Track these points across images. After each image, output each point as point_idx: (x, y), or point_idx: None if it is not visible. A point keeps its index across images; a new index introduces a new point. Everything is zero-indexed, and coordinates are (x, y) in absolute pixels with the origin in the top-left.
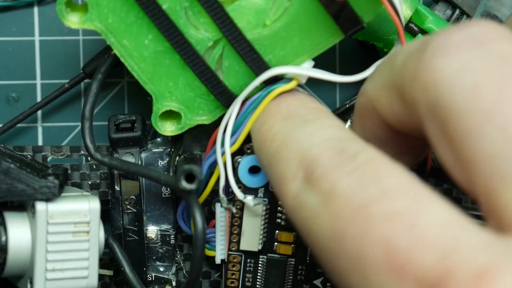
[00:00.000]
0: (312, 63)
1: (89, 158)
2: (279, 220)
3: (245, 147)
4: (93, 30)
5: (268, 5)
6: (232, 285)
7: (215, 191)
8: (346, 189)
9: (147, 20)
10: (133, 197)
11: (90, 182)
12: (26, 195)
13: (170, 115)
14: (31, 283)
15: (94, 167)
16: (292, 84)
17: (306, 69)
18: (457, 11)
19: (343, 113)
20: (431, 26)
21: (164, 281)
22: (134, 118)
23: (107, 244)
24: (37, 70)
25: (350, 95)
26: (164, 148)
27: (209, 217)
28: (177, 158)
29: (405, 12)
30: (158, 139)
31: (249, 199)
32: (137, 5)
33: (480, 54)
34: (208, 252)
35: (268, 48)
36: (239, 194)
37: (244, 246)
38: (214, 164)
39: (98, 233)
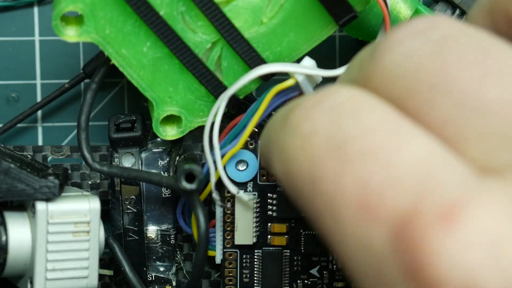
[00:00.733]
0: (313, 62)
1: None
2: (271, 213)
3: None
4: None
5: (264, 3)
6: (230, 283)
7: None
8: (325, 127)
9: (144, 28)
10: (133, 197)
11: (90, 182)
12: (26, 195)
13: (170, 119)
14: (31, 283)
15: None
16: (289, 82)
17: (289, 66)
18: (457, 11)
19: None
20: None
21: (164, 281)
22: (134, 118)
23: (107, 244)
24: (37, 70)
25: None
26: (164, 148)
27: (209, 217)
28: (177, 158)
29: (405, 12)
30: (158, 139)
31: (242, 194)
32: (134, 14)
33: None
34: (208, 252)
35: (266, 45)
36: (232, 189)
37: (238, 241)
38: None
39: (98, 233)
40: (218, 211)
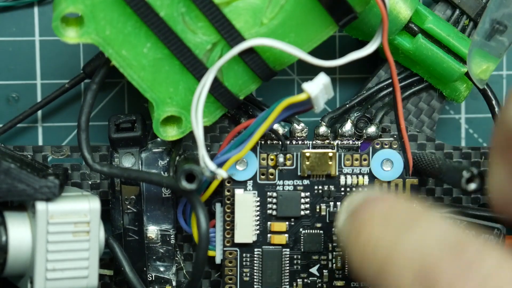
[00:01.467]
0: (328, 78)
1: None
2: (270, 211)
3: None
4: (90, 43)
5: (265, 4)
6: (230, 282)
7: (216, 191)
8: None
9: (145, 29)
10: (133, 197)
11: (90, 182)
12: (26, 195)
13: (171, 120)
14: (31, 282)
15: None
16: (302, 96)
17: (285, 44)
18: (457, 11)
19: (343, 113)
20: (431, 26)
21: (164, 281)
22: (134, 118)
23: (107, 244)
24: (37, 70)
25: (350, 95)
26: (164, 148)
27: (209, 216)
28: (177, 158)
29: (405, 12)
30: (158, 139)
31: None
32: (134, 15)
33: None
34: (208, 252)
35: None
36: (210, 165)
37: (238, 239)
38: (221, 165)
39: (98, 233)
40: (218, 211)
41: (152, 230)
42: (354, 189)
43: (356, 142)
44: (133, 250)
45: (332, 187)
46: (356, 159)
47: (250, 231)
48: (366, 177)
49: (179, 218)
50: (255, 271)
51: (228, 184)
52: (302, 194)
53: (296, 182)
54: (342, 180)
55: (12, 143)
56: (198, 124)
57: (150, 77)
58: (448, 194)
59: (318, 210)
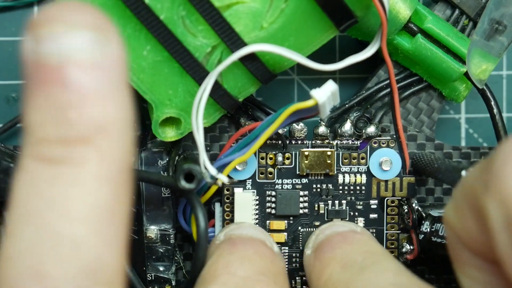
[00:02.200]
0: (336, 86)
1: None
2: (269, 210)
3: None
4: None
5: (265, 7)
6: None
7: (217, 191)
8: None
9: (144, 32)
10: (133, 197)
11: None
12: None
13: (170, 121)
14: None
15: None
16: (309, 103)
17: (285, 50)
18: (457, 11)
19: (343, 113)
20: (430, 26)
21: (164, 281)
22: (134, 118)
23: None
24: None
25: (350, 95)
26: (163, 148)
27: (209, 216)
28: (177, 157)
29: (405, 12)
30: (158, 139)
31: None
32: (134, 17)
33: None
34: None
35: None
36: (211, 169)
37: None
38: (223, 167)
39: None
40: (218, 211)
41: (152, 230)
42: (352, 187)
43: (356, 142)
44: (133, 250)
45: (330, 186)
46: (354, 158)
47: None
48: (364, 175)
49: (179, 218)
50: None
51: (227, 184)
52: (301, 193)
53: (295, 181)
54: (340, 178)
55: (12, 143)
56: (198, 129)
57: (150, 79)
58: (448, 194)
59: (316, 209)
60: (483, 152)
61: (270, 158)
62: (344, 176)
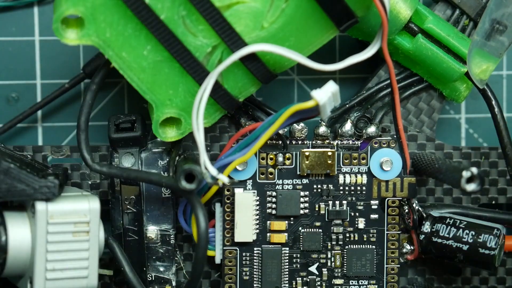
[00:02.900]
0: (337, 86)
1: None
2: (270, 210)
3: None
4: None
5: (265, 7)
6: (230, 281)
7: (217, 192)
8: None
9: (145, 32)
10: (133, 197)
11: (90, 182)
12: (26, 195)
13: (170, 121)
14: (31, 283)
15: None
16: (310, 103)
17: (285, 50)
18: (457, 11)
19: (343, 113)
20: (431, 26)
21: (164, 281)
22: (134, 118)
23: (107, 244)
24: (37, 70)
25: (350, 95)
26: (164, 148)
27: (209, 216)
28: (177, 158)
29: (405, 12)
30: (158, 139)
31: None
32: (135, 17)
33: None
34: (208, 252)
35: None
36: (212, 170)
37: (238, 238)
38: (224, 167)
39: (98, 233)
40: (218, 211)
41: (152, 230)
42: (352, 188)
43: (356, 142)
44: (133, 250)
45: (331, 186)
46: (355, 158)
47: (250, 230)
48: (364, 176)
49: (180, 218)
50: (254, 270)
51: (228, 184)
52: (302, 193)
53: (295, 181)
54: (341, 179)
55: (12, 143)
56: (199, 129)
57: (150, 79)
58: (448, 194)
59: (317, 209)
60: (483, 152)
61: (271, 159)
62: (344, 177)
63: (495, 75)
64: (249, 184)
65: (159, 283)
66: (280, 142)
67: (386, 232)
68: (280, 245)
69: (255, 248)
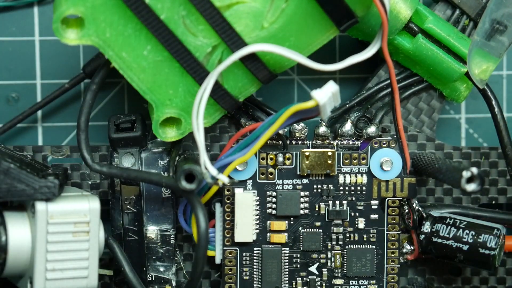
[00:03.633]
0: (337, 86)
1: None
2: (270, 210)
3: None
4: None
5: (265, 7)
6: (230, 281)
7: (217, 192)
8: None
9: (145, 32)
10: (133, 197)
11: (90, 182)
12: (26, 195)
13: (170, 121)
14: (31, 283)
15: None
16: (310, 104)
17: (285, 50)
18: (457, 11)
19: (343, 113)
20: (431, 26)
21: (164, 281)
22: (134, 118)
23: (107, 244)
24: (37, 70)
25: (350, 95)
26: (164, 148)
27: (209, 216)
28: (177, 158)
29: (405, 12)
30: (158, 139)
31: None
32: (135, 17)
33: None
34: (208, 252)
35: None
36: (212, 170)
37: (238, 238)
38: (224, 167)
39: (98, 233)
40: (218, 211)
41: (152, 230)
42: (352, 188)
43: (356, 142)
44: (133, 250)
45: (331, 186)
46: (355, 158)
47: (250, 230)
48: (364, 176)
49: (180, 218)
50: (254, 270)
51: (228, 184)
52: (302, 193)
53: (295, 181)
54: (341, 179)
55: (12, 143)
56: (199, 129)
57: (150, 79)
58: (448, 194)
59: (317, 209)
60: (483, 152)
61: (271, 159)
62: (344, 177)
63: (495, 75)
64: (249, 184)
65: (159, 283)
66: (280, 142)
67: (386, 232)
68: (280, 245)
69: (255, 248)
